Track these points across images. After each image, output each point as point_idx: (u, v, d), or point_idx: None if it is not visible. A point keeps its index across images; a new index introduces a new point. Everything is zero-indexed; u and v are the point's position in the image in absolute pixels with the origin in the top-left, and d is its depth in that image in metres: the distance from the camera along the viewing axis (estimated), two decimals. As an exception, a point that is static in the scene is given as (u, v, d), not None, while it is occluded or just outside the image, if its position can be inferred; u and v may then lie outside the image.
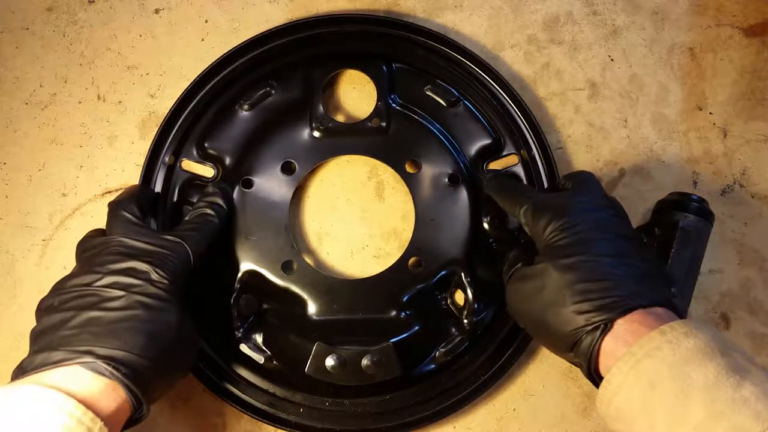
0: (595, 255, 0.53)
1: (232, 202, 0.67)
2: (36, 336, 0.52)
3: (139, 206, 0.62)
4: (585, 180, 0.62)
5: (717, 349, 0.46)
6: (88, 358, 0.49)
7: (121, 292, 0.53)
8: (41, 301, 0.55)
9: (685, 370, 0.45)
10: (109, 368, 0.49)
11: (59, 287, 0.54)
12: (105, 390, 0.49)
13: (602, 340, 0.50)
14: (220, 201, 0.65)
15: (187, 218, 0.64)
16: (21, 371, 0.50)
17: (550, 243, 0.56)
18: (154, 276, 0.55)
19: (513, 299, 0.59)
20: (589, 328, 0.51)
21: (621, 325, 0.50)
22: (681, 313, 0.52)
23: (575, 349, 0.52)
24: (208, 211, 0.64)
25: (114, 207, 0.61)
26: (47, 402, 0.45)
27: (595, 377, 0.52)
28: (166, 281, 0.55)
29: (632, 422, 0.47)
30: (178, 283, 0.57)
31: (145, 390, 0.51)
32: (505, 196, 0.65)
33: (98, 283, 0.53)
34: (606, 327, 0.50)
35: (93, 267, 0.55)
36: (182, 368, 0.59)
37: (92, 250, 0.57)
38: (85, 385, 0.48)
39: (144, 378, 0.51)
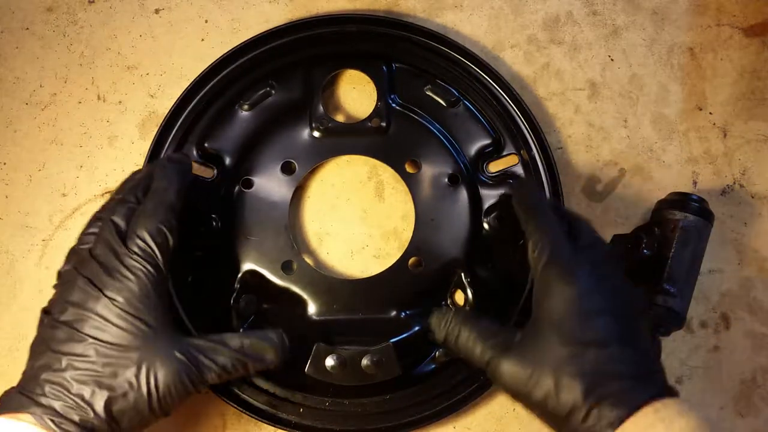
0: (603, 338, 0.51)
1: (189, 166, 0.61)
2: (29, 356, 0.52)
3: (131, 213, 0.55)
4: (591, 238, 0.57)
5: (708, 429, 0.46)
6: (36, 412, 0.48)
7: (83, 338, 0.50)
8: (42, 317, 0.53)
9: None
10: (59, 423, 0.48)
11: (52, 309, 0.53)
12: None
13: None
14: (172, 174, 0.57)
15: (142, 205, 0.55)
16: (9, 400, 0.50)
17: (552, 308, 0.52)
18: (115, 320, 0.50)
19: (509, 380, 0.53)
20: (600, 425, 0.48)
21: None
22: (662, 385, 0.51)
23: None
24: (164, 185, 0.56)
25: (101, 214, 0.56)
26: None
27: None
28: (129, 323, 0.50)
29: None
30: (150, 313, 0.51)
31: None
32: (527, 215, 0.58)
33: (62, 319, 0.51)
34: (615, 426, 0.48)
35: (65, 300, 0.52)
36: (151, 420, 0.53)
37: (63, 280, 0.54)
38: None
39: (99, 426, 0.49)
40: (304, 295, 0.67)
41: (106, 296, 0.51)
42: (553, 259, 0.53)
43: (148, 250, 0.51)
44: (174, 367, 0.51)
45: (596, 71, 0.75)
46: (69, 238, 0.70)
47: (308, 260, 0.68)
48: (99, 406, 0.49)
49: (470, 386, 0.65)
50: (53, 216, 0.71)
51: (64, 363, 0.50)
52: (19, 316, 0.69)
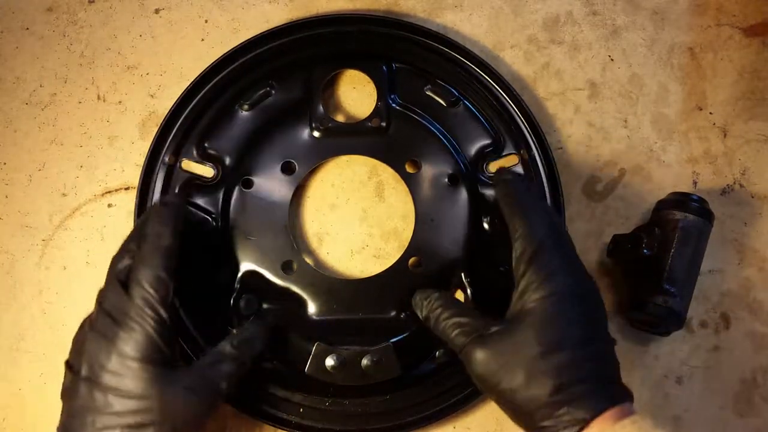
0: (576, 341, 0.53)
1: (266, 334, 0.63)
2: None
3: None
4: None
5: None
6: None
7: (104, 391, 0.52)
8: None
9: None
10: None
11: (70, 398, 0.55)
12: None
13: None
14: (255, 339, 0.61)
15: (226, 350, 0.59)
16: None
17: (529, 302, 0.54)
18: (127, 370, 0.53)
19: (481, 367, 0.55)
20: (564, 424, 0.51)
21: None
22: (622, 389, 0.54)
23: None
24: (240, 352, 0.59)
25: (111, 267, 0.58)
26: None
27: None
28: (140, 370, 0.52)
29: None
30: (158, 356, 0.54)
31: None
32: (512, 210, 0.59)
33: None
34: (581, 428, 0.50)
35: (81, 355, 0.54)
36: None
37: (82, 332, 0.56)
38: None
39: None
40: (304, 295, 0.67)
41: (116, 348, 0.53)
42: (534, 258, 0.55)
43: (149, 298, 0.54)
44: (191, 398, 0.54)
45: (596, 71, 0.75)
46: (69, 238, 0.70)
47: (308, 260, 0.68)
48: None
49: (470, 386, 0.65)
50: (53, 216, 0.71)
51: (89, 419, 0.52)
52: (19, 316, 0.69)
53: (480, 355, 0.54)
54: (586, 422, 0.50)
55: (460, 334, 0.56)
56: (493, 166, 0.71)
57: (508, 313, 0.56)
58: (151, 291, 0.54)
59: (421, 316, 0.62)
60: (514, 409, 0.53)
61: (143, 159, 0.68)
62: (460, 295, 0.68)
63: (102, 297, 0.56)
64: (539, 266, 0.55)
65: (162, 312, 0.54)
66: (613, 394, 0.52)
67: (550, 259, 0.55)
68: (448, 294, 0.62)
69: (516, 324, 0.54)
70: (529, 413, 0.52)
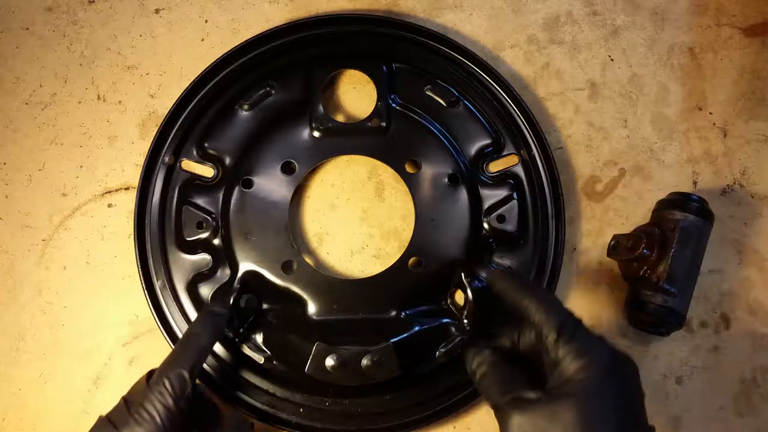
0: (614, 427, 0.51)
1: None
2: None
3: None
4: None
5: None
6: None
7: None
8: None
9: None
10: None
11: None
12: None
13: None
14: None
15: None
16: None
17: (570, 377, 0.53)
18: None
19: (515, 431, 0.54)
20: None
21: None
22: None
23: None
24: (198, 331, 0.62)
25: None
26: None
27: None
28: None
29: None
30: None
31: None
32: (523, 292, 0.59)
33: None
34: None
35: None
36: None
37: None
38: None
39: None
40: (304, 295, 0.67)
41: None
42: (565, 330, 0.54)
43: (165, 393, 0.55)
44: None
45: (596, 71, 0.75)
46: (69, 238, 0.70)
47: (308, 260, 0.68)
48: None
49: (470, 386, 0.65)
50: (53, 216, 0.71)
51: None
52: (19, 316, 0.69)
53: (517, 420, 0.53)
54: None
55: (500, 392, 0.55)
56: (493, 166, 0.71)
57: (548, 385, 0.54)
58: (169, 388, 0.55)
59: (468, 370, 0.60)
60: None
61: (143, 159, 0.68)
62: (460, 295, 0.68)
63: (131, 389, 0.58)
64: (574, 337, 0.54)
65: (173, 408, 0.55)
66: None
67: (583, 332, 0.54)
68: (499, 352, 0.61)
69: (557, 396, 0.52)
70: None
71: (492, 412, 0.68)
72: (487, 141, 0.71)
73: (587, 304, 0.71)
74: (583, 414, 0.51)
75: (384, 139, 0.70)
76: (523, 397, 0.54)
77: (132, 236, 0.67)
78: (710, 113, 0.74)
